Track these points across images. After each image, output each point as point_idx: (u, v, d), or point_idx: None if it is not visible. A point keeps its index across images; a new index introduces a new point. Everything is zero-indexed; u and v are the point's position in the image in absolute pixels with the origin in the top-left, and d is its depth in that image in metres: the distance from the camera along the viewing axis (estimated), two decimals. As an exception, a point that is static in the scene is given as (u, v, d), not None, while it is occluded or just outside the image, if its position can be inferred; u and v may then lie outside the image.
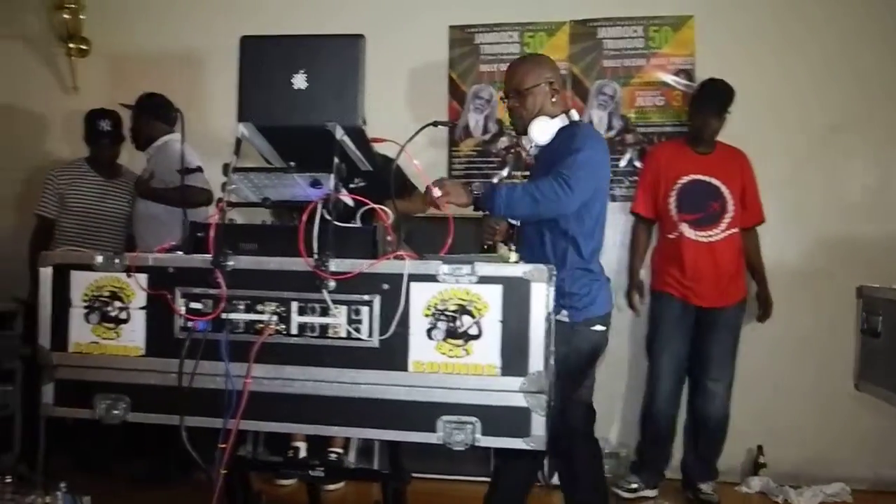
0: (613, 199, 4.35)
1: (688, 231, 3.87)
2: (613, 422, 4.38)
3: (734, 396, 3.96)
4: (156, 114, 4.12)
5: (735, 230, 3.88)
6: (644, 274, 4.20)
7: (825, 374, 4.08)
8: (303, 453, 4.00)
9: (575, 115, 2.96)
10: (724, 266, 3.86)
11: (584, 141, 2.77)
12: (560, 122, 2.90)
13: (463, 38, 4.52)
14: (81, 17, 4.74)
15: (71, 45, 4.80)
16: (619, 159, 4.37)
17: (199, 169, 3.83)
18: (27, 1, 4.95)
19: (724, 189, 3.87)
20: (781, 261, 4.17)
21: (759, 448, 4.15)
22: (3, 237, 4.82)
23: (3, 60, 5.00)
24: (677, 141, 4.10)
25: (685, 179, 3.90)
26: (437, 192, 2.62)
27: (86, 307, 2.25)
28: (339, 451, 4.01)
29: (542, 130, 2.87)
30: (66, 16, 4.69)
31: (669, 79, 4.33)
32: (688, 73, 4.30)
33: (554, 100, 2.93)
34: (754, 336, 4.06)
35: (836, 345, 3.79)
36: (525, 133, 2.93)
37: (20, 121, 5.01)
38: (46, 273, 2.29)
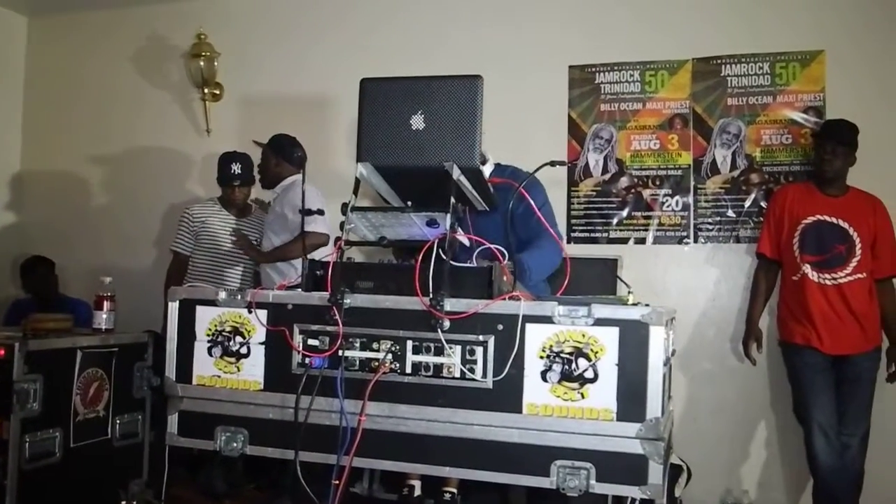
0: (738, 240, 4.22)
1: (811, 272, 3.69)
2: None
3: (871, 450, 3.68)
4: (284, 154, 4.23)
5: (863, 275, 3.66)
6: (767, 323, 4.04)
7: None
8: (417, 492, 3.99)
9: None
10: (850, 310, 3.64)
11: (539, 191, 3.06)
12: (491, 165, 3.10)
13: (583, 78, 4.50)
14: (215, 64, 4.99)
15: (205, 91, 5.06)
16: (744, 199, 4.23)
17: (320, 212, 3.92)
18: (168, 51, 5.27)
19: (851, 232, 3.67)
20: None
21: (900, 507, 3.88)
22: (142, 271, 5.09)
23: (147, 106, 5.34)
24: (806, 182, 3.94)
25: (810, 220, 3.73)
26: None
27: (209, 341, 2.34)
28: (454, 490, 3.98)
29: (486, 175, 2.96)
30: (201, 63, 4.95)
31: (797, 116, 4.17)
32: (817, 111, 4.13)
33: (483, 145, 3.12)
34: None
35: None
36: None
37: (159, 162, 5.30)
38: (174, 307, 2.39)
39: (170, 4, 5.28)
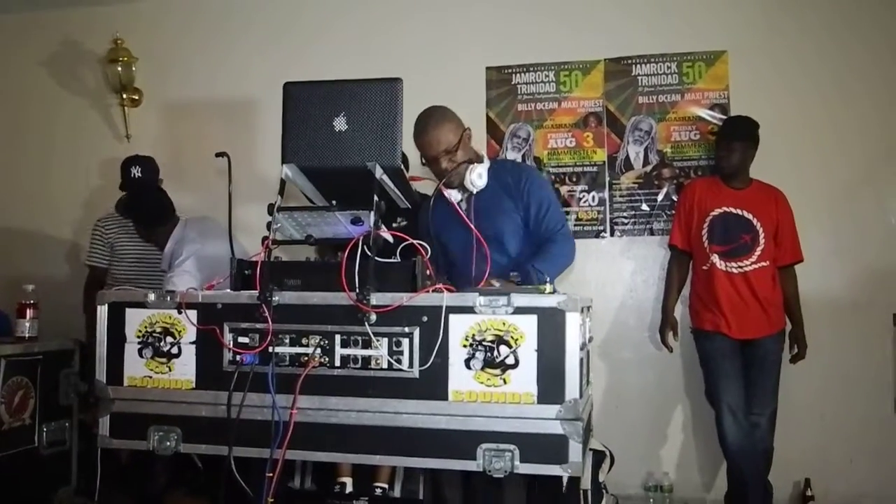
0: (651, 232, 4.40)
1: (718, 262, 3.88)
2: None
3: (780, 428, 3.89)
4: (167, 214, 3.98)
5: (766, 263, 3.86)
6: (682, 312, 4.22)
7: (873, 403, 4.08)
8: (349, 489, 4.03)
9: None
10: (756, 297, 3.84)
11: (544, 185, 3.16)
12: (487, 161, 3.07)
13: (500, 79, 4.62)
14: (133, 68, 4.93)
15: (124, 96, 4.99)
16: (656, 193, 4.41)
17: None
18: (84, 56, 5.18)
19: (755, 222, 3.87)
20: (827, 290, 4.16)
21: (807, 481, 4.08)
22: (61, 282, 4.97)
23: (63, 113, 5.21)
24: (713, 177, 4.13)
25: (717, 211, 3.92)
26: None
27: (140, 343, 2.37)
28: (385, 486, 4.04)
29: (481, 175, 2.97)
30: (119, 68, 4.88)
31: (704, 113, 4.38)
32: (722, 108, 4.34)
33: (472, 143, 3.10)
34: (800, 366, 3.99)
35: (885, 374, 3.87)
36: (459, 186, 3.00)
37: (79, 170, 5.18)
38: (103, 311, 2.41)
39: (83, 9, 5.15)
